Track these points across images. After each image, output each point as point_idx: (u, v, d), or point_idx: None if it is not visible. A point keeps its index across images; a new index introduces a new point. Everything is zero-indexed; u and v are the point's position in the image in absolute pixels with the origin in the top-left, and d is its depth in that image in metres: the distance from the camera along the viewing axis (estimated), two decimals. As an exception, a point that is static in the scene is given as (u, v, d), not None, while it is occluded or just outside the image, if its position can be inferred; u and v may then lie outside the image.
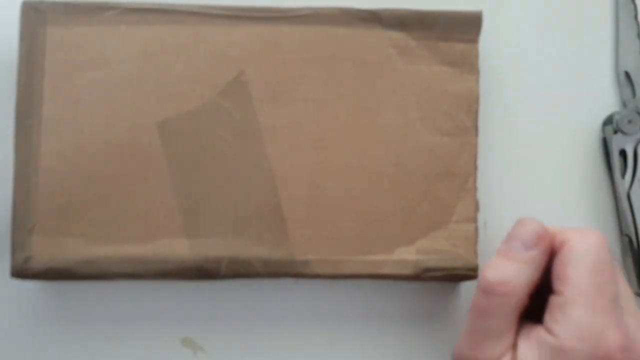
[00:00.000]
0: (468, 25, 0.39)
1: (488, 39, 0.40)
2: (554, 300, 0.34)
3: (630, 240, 0.40)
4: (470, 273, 0.38)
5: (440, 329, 0.40)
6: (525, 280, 0.34)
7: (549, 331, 0.33)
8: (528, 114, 0.41)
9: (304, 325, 0.40)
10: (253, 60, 0.38)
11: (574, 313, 0.32)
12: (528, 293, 0.34)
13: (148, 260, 0.37)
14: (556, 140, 0.41)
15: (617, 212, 0.41)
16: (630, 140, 0.41)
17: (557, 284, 0.34)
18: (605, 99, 0.42)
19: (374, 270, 0.38)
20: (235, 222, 0.38)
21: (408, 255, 0.38)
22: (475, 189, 0.39)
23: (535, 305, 0.35)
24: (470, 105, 0.39)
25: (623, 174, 0.41)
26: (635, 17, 0.42)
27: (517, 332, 0.34)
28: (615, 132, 0.41)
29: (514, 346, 0.34)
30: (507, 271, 0.34)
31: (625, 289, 0.35)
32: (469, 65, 0.39)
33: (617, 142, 0.41)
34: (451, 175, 0.38)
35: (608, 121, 0.41)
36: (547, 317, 0.34)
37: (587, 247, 0.34)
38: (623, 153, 0.41)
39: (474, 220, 0.38)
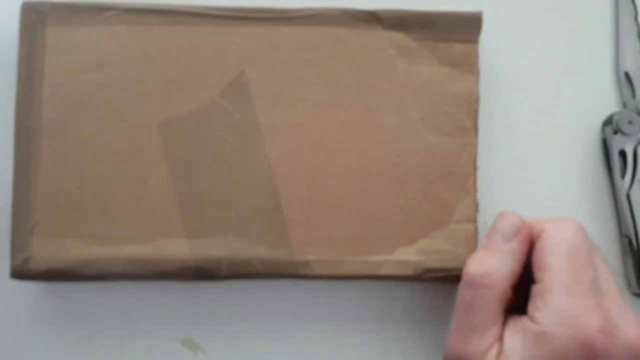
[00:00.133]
0: (468, 26, 0.39)
1: (488, 39, 0.40)
2: (535, 289, 0.34)
3: (630, 241, 0.40)
4: (470, 273, 0.38)
5: (440, 329, 0.40)
6: (507, 271, 0.35)
7: (532, 319, 0.34)
8: (528, 114, 0.41)
9: (304, 326, 0.40)
10: (253, 61, 0.38)
11: (554, 299, 0.33)
12: (511, 284, 0.35)
13: (148, 260, 0.37)
14: (556, 141, 0.41)
15: (616, 212, 0.41)
16: (630, 141, 0.41)
17: (537, 273, 0.35)
18: (605, 100, 0.42)
19: (374, 271, 0.38)
20: (235, 222, 0.38)
21: (408, 256, 0.38)
22: (475, 189, 0.39)
23: (522, 299, 0.35)
24: (470, 105, 0.39)
25: (623, 175, 0.41)
26: (636, 17, 0.42)
27: (504, 325, 0.35)
28: (615, 132, 0.41)
29: (501, 338, 0.34)
30: (489, 263, 0.35)
31: (606, 275, 0.35)
32: (469, 66, 0.39)
33: (617, 143, 0.41)
34: (451, 176, 0.38)
35: (608, 122, 0.41)
36: (530, 306, 0.34)
37: (563, 235, 0.35)
38: (623, 154, 0.41)
39: (474, 220, 0.38)
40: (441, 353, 0.39)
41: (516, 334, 0.34)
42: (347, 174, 0.38)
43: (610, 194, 0.42)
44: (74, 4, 0.38)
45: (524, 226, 0.36)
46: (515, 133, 0.41)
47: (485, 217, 0.40)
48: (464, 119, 0.39)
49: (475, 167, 0.39)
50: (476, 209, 0.39)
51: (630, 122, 0.41)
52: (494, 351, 0.34)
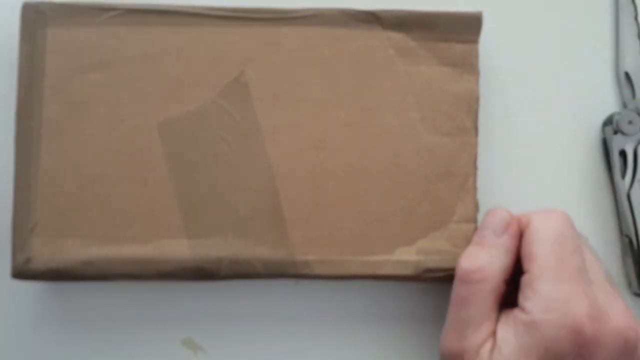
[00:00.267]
0: (468, 26, 0.39)
1: (488, 40, 0.40)
2: (524, 279, 0.35)
3: (630, 241, 0.40)
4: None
5: (440, 329, 0.40)
6: (499, 265, 0.35)
7: (522, 309, 0.34)
8: (528, 114, 0.41)
9: (304, 326, 0.40)
10: (253, 61, 0.38)
11: (541, 287, 0.34)
12: (504, 278, 0.36)
13: (148, 260, 0.37)
14: (556, 141, 0.41)
15: (617, 212, 0.41)
16: (630, 141, 0.41)
17: (525, 263, 0.35)
18: (605, 100, 0.42)
19: (374, 271, 0.38)
20: (236, 222, 0.38)
21: (408, 256, 0.38)
22: (475, 189, 0.39)
23: (515, 293, 0.35)
24: (470, 105, 0.39)
25: (623, 175, 0.41)
26: (636, 17, 0.42)
27: (497, 319, 0.35)
28: (615, 132, 0.41)
29: (495, 333, 0.35)
30: (481, 258, 0.36)
31: (594, 264, 0.36)
32: (469, 66, 0.39)
33: (617, 143, 0.41)
34: (451, 176, 0.38)
35: (608, 122, 0.41)
36: (520, 296, 0.35)
37: (549, 224, 0.35)
38: (623, 153, 0.41)
39: (474, 220, 0.38)
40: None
41: (508, 326, 0.34)
42: (347, 174, 0.38)
43: (610, 194, 0.42)
44: (75, 4, 0.38)
45: (513, 220, 0.36)
46: (515, 133, 0.41)
47: (485, 217, 0.40)
48: (464, 119, 0.39)
49: (475, 167, 0.39)
50: (476, 209, 0.39)
51: (630, 122, 0.41)
52: (488, 346, 0.34)
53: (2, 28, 0.40)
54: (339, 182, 0.38)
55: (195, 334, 0.40)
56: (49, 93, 0.38)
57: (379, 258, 0.38)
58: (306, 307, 0.40)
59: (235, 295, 0.40)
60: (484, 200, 0.39)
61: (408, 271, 0.38)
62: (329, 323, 0.40)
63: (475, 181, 0.39)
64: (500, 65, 0.41)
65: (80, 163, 0.37)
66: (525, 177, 0.41)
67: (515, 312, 0.35)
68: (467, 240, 0.38)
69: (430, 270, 0.38)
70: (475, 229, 0.38)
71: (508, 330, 0.34)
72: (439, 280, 0.38)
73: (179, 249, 0.37)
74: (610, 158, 0.41)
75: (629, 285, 0.41)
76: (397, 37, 0.39)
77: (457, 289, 0.36)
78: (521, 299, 0.35)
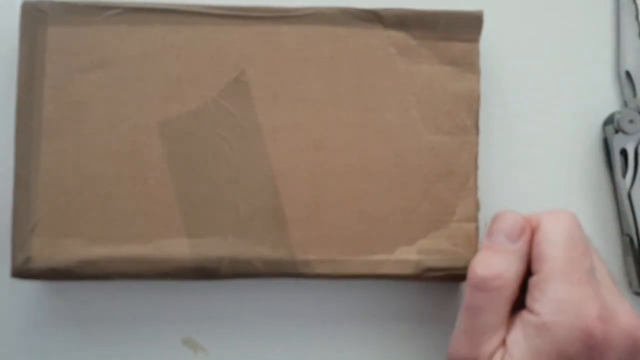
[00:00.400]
0: (469, 25, 0.39)
1: (488, 39, 0.40)
2: (532, 281, 0.35)
3: (631, 240, 0.40)
4: (471, 273, 0.38)
5: (440, 329, 0.40)
6: (516, 272, 0.35)
7: (531, 311, 0.34)
8: (529, 113, 0.41)
9: (304, 325, 0.40)
10: (253, 60, 0.38)
11: (552, 288, 0.33)
12: (519, 284, 0.35)
13: (148, 260, 0.37)
14: (557, 140, 0.41)
15: (617, 211, 0.41)
16: (631, 140, 0.41)
17: (534, 265, 0.35)
18: (606, 99, 0.42)
19: (375, 270, 0.38)
20: (236, 222, 0.38)
21: (409, 255, 0.38)
22: (476, 188, 0.39)
23: (521, 296, 0.35)
24: (471, 104, 0.39)
25: (624, 174, 0.41)
26: (637, 16, 0.42)
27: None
28: (616, 131, 0.41)
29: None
30: (498, 265, 0.35)
31: (599, 265, 0.36)
32: (470, 65, 0.39)
33: (618, 142, 0.41)
34: (452, 175, 0.38)
35: (609, 121, 0.41)
36: (528, 298, 0.34)
37: (559, 226, 0.35)
38: (624, 153, 0.41)
39: (475, 219, 0.38)
40: (442, 353, 0.39)
41: (516, 329, 0.34)
42: (347, 173, 0.38)
43: (611, 193, 0.42)
44: (75, 3, 0.38)
45: (527, 225, 0.36)
46: (515, 132, 0.41)
47: (485, 216, 0.39)
48: (464, 118, 0.39)
49: (476, 167, 0.39)
50: (477, 208, 0.38)
51: (631, 121, 0.41)
52: (500, 352, 0.34)
53: (2, 27, 0.40)
54: (339, 181, 0.38)
55: (195, 333, 0.40)
56: (48, 91, 0.38)
57: (379, 257, 0.38)
58: (306, 306, 0.40)
59: (236, 295, 0.40)
60: (485, 200, 0.39)
61: (408, 271, 0.38)
62: (329, 323, 0.40)
63: (476, 180, 0.39)
64: (501, 64, 0.41)
65: (80, 163, 0.37)
66: (525, 177, 0.41)
67: (524, 314, 0.34)
68: (468, 240, 0.38)
69: (430, 269, 0.38)
70: (477, 228, 0.38)
71: (517, 333, 0.34)
72: (440, 280, 0.38)
73: (179, 248, 0.37)
74: (611, 157, 0.41)
75: (630, 284, 0.41)
76: (398, 35, 0.39)
77: (472, 295, 0.35)
78: (530, 301, 0.34)
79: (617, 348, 0.33)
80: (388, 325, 0.40)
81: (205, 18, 0.38)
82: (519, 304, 0.35)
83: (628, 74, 0.42)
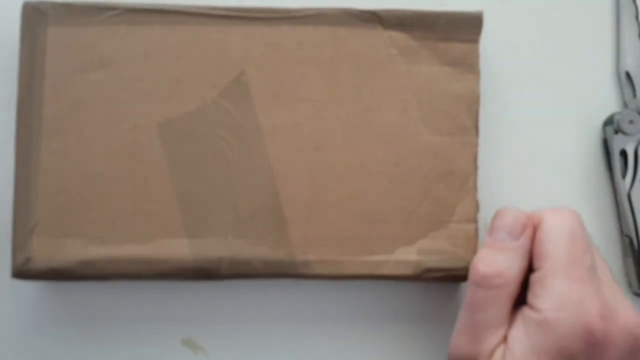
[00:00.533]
0: (468, 26, 0.39)
1: (488, 39, 0.40)
2: (534, 277, 0.35)
3: (631, 241, 0.40)
4: (470, 273, 0.38)
5: (440, 329, 0.40)
6: (518, 269, 0.35)
7: (532, 307, 0.34)
8: (528, 114, 0.41)
9: (304, 326, 0.40)
10: (253, 61, 0.38)
11: (553, 285, 0.33)
12: (521, 281, 0.35)
13: (148, 260, 0.37)
14: (556, 141, 0.41)
15: (617, 212, 0.41)
16: (631, 141, 0.41)
17: (536, 261, 0.35)
18: (606, 99, 0.42)
19: (375, 271, 0.38)
20: (236, 222, 0.38)
21: (408, 256, 0.38)
22: (475, 188, 0.39)
23: (522, 292, 0.35)
24: (471, 105, 0.39)
25: (624, 175, 0.41)
26: (636, 17, 0.42)
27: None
28: (616, 132, 0.41)
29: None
30: (500, 262, 0.35)
31: (600, 263, 0.36)
32: (470, 65, 0.39)
33: (618, 143, 0.41)
34: (451, 175, 0.38)
35: (609, 121, 0.41)
36: (529, 295, 0.34)
37: (561, 223, 0.35)
38: (624, 153, 0.41)
39: (475, 220, 0.38)
40: (442, 353, 0.39)
41: (517, 325, 0.34)
42: (347, 174, 0.38)
43: (611, 194, 0.42)
44: (75, 3, 0.38)
45: (529, 221, 0.36)
46: (515, 133, 0.41)
47: (485, 217, 0.39)
48: (464, 118, 0.39)
49: (475, 167, 0.39)
50: (476, 208, 0.38)
51: (631, 122, 0.41)
52: (501, 349, 0.34)
53: (2, 27, 0.40)
54: (338, 181, 0.38)
55: (195, 333, 0.40)
56: (49, 92, 0.38)
57: (379, 258, 0.38)
58: (306, 307, 0.40)
59: (235, 295, 0.40)
60: (484, 200, 0.39)
61: (408, 271, 0.38)
62: (329, 323, 0.40)
63: (475, 181, 0.39)
64: (501, 65, 0.41)
65: (80, 163, 0.37)
66: (525, 177, 0.41)
67: (525, 310, 0.34)
68: (468, 240, 0.38)
69: (430, 270, 0.38)
70: (476, 229, 0.38)
71: (518, 329, 0.34)
72: (440, 280, 0.38)
73: (179, 249, 0.37)
74: (611, 158, 0.41)
75: (629, 285, 0.41)
76: (398, 36, 0.39)
77: (474, 293, 0.35)
78: (531, 297, 0.34)
79: (617, 345, 0.33)
80: (387, 325, 0.40)
81: (205, 19, 0.38)
82: (520, 300, 0.35)
83: (628, 75, 0.42)
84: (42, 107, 0.37)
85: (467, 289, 0.36)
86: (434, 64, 0.39)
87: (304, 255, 0.38)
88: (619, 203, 0.41)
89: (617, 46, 0.42)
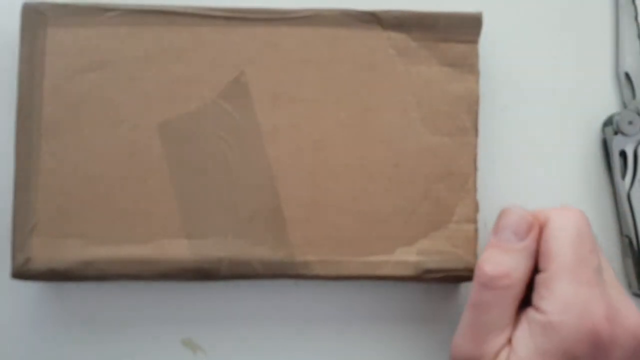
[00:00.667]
0: (468, 26, 0.39)
1: (488, 40, 0.40)
2: (539, 278, 0.34)
3: (630, 241, 0.40)
4: (470, 274, 0.38)
5: (440, 329, 0.40)
6: (524, 270, 0.34)
7: (537, 309, 0.34)
8: (528, 114, 0.41)
9: (303, 326, 0.40)
10: (253, 62, 0.38)
11: (559, 287, 0.33)
12: (526, 282, 0.35)
13: (148, 260, 0.37)
14: (556, 141, 0.41)
15: (617, 213, 0.41)
16: (630, 141, 0.41)
17: (542, 262, 0.34)
18: (605, 100, 0.42)
19: (374, 271, 0.38)
20: (235, 222, 0.38)
21: (408, 256, 0.38)
22: (475, 189, 0.39)
23: (527, 293, 0.35)
24: (470, 105, 0.39)
25: (623, 175, 0.41)
26: (636, 17, 0.42)
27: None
28: (616, 133, 0.41)
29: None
30: (507, 263, 0.34)
31: (604, 263, 0.35)
32: (469, 66, 0.39)
33: (617, 143, 0.41)
34: (451, 176, 0.38)
35: (608, 122, 0.41)
36: (534, 296, 0.34)
37: (568, 223, 0.34)
38: (623, 154, 0.41)
39: (474, 220, 0.38)
40: (442, 353, 0.39)
41: (522, 327, 0.34)
42: (347, 174, 0.38)
43: (610, 194, 0.42)
44: (75, 4, 0.38)
45: (535, 221, 0.35)
46: (515, 133, 0.41)
47: (485, 217, 0.40)
48: (464, 119, 0.39)
49: (475, 168, 0.39)
50: (476, 209, 0.38)
51: (630, 123, 0.41)
52: (506, 351, 0.34)
53: (2, 28, 0.40)
54: (339, 182, 0.38)
55: (195, 334, 0.40)
56: (49, 92, 0.38)
57: (379, 258, 0.38)
58: (306, 307, 0.40)
59: (235, 295, 0.40)
60: (484, 201, 0.39)
61: (408, 271, 0.38)
62: (329, 323, 0.40)
63: (475, 181, 0.39)
64: (500, 65, 0.41)
65: (80, 163, 0.37)
66: (524, 178, 0.41)
67: (530, 312, 0.34)
68: (468, 241, 0.38)
69: (430, 270, 0.38)
70: (476, 229, 0.38)
71: (523, 330, 0.34)
72: (439, 281, 0.38)
73: (179, 249, 0.37)
74: (611, 158, 0.41)
75: (629, 285, 0.41)
76: (397, 37, 0.39)
77: (479, 293, 0.34)
78: (536, 298, 0.34)
79: (623, 348, 0.33)
80: (387, 326, 0.40)
81: (205, 20, 0.38)
82: (525, 301, 0.35)
83: (627, 76, 0.42)
84: (41, 108, 0.37)
85: (471, 290, 0.35)
86: (433, 64, 0.39)
87: (303, 256, 0.38)
88: (618, 203, 0.41)
89: (616, 47, 0.42)
